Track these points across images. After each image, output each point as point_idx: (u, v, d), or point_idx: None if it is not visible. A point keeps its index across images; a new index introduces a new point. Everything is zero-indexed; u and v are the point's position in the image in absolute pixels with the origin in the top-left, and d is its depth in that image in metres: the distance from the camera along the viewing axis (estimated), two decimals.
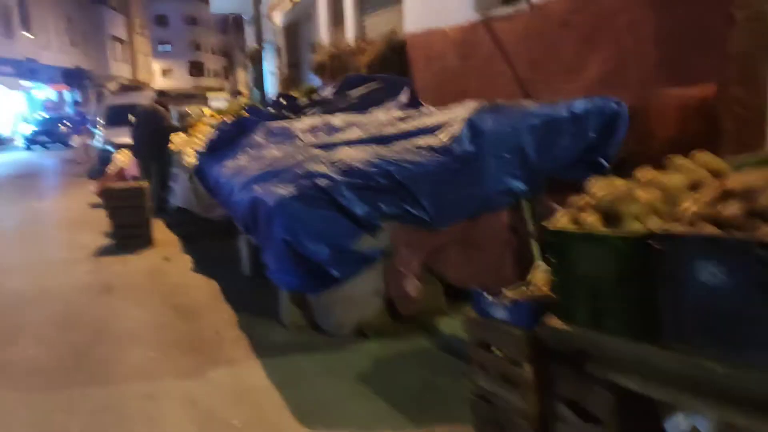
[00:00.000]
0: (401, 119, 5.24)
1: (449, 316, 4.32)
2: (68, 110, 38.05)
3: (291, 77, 16.60)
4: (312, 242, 4.02)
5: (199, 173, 7.35)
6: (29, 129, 30.01)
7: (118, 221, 7.87)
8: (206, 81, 80.00)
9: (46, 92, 38.32)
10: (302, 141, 5.91)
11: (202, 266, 6.78)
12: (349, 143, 5.07)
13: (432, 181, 4.24)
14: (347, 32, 11.71)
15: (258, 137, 6.69)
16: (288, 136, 6.31)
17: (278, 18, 16.85)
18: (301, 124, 6.49)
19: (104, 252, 7.65)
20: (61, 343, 4.69)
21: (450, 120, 4.57)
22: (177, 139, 10.62)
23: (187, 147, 9.04)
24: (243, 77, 65.79)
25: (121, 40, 54.20)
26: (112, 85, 51.74)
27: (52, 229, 9.55)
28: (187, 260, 7.12)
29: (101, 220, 9.57)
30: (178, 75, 75.49)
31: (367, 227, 4.09)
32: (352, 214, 4.07)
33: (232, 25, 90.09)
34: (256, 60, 13.30)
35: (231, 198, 5.78)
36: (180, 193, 8.90)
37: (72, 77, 40.81)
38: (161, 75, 72.86)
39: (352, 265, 4.09)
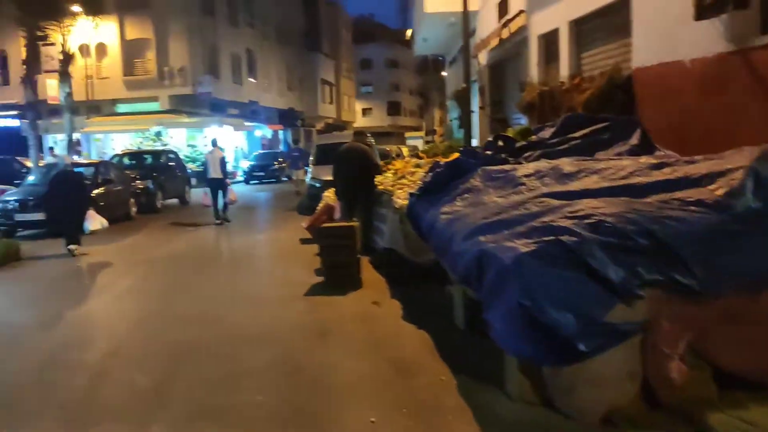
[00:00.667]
0: (654, 167, 4.53)
1: (720, 409, 3.51)
2: (281, 148, 41.28)
3: (495, 116, 16.24)
4: (554, 309, 3.47)
5: (411, 216, 7.14)
6: (248, 164, 32.87)
7: (329, 260, 7.93)
8: (402, 120, 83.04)
9: (262, 131, 41.97)
10: (529, 188, 5.41)
11: (413, 314, 6.51)
12: (589, 193, 4.48)
13: (704, 242, 3.51)
14: (561, 69, 11.09)
15: (476, 181, 6.31)
16: (511, 181, 5.85)
17: (483, 57, 16.65)
18: (525, 169, 6.00)
19: (315, 291, 7.72)
20: (279, 390, 4.60)
21: (723, 169, 3.81)
22: (383, 179, 10.68)
23: (395, 187, 8.97)
24: (437, 116, 67.37)
25: (330, 83, 58.09)
26: (319, 125, 55.68)
27: (268, 262, 9.98)
28: (396, 306, 6.90)
29: (311, 256, 9.86)
30: (376, 114, 79.22)
31: (623, 295, 3.46)
32: (605, 279, 3.47)
33: (430, 66, 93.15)
34: (463, 99, 13.14)
35: (449, 246, 5.43)
36: (388, 233, 8.83)
37: (286, 117, 44.37)
38: (362, 114, 76.95)
39: (602, 339, 3.47)
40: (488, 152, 7.13)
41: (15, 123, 29.68)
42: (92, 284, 8.94)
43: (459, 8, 17.08)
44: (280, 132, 45.06)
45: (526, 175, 5.83)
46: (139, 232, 13.95)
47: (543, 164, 5.99)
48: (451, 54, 25.53)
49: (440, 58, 35.43)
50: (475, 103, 20.61)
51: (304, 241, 11.66)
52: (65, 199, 11.11)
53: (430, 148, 11.34)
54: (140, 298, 7.98)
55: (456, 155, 9.19)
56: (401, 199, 7.93)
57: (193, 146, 33.24)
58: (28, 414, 4.45)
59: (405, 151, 34.10)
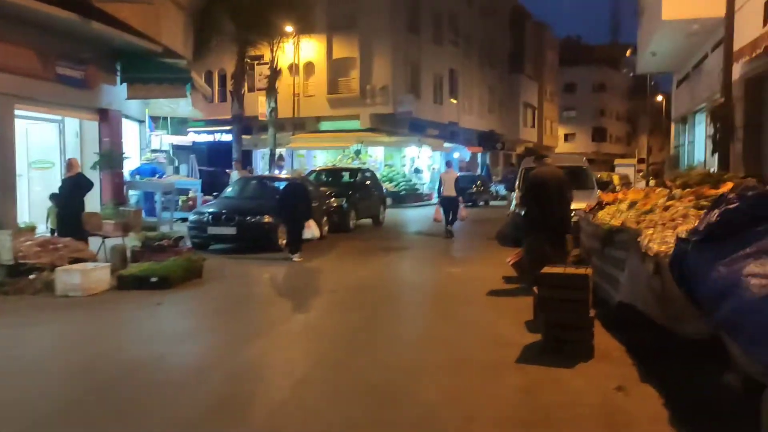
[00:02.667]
0: None
1: None
2: (479, 171, 39.75)
3: (749, 141, 13.17)
4: None
5: (680, 269, 5.02)
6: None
7: (551, 316, 6.00)
8: (607, 147, 77.86)
9: (460, 153, 40.75)
10: None
11: (682, 413, 4.44)
12: None
13: None
14: None
15: None
16: None
17: (737, 68, 13.63)
18: None
19: (531, 356, 5.84)
20: None
21: None
22: (615, 212, 8.53)
23: (641, 224, 6.78)
24: (646, 143, 61.89)
25: (532, 107, 55.72)
26: (519, 149, 53.37)
27: (466, 306, 8.26)
28: (652, 396, 4.82)
29: (519, 301, 8.01)
30: (580, 140, 75.32)
31: None
32: None
33: (641, 90, 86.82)
34: (722, 116, 10.45)
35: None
36: (629, 285, 6.69)
37: (485, 140, 42.85)
38: (564, 140, 73.37)
39: None
40: None
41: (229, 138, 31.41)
42: (263, 316, 7.83)
43: (705, 13, 14.31)
44: (479, 155, 43.59)
45: None
46: (328, 254, 13.05)
47: None
48: (684, 70, 22.15)
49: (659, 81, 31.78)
50: (700, 129, 17.33)
51: (508, 280, 9.82)
52: (293, 210, 11.95)
53: (679, 177, 8.91)
54: (308, 347, 6.52)
55: (728, 185, 6.83)
56: (656, 242, 5.79)
57: (390, 165, 32.92)
58: None
59: (615, 179, 30.77)
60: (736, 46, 13.47)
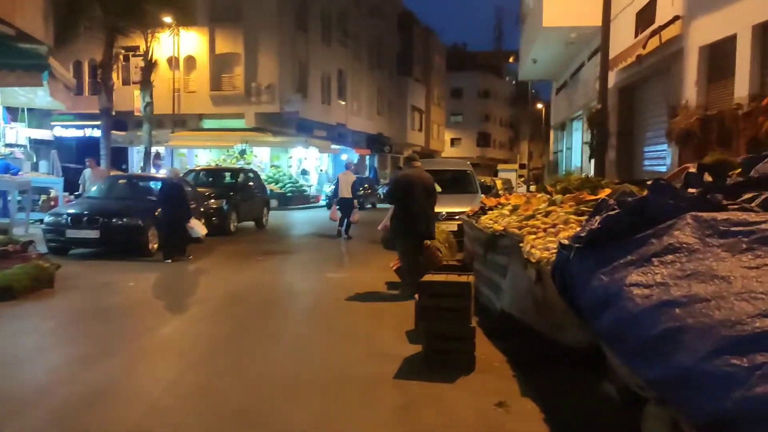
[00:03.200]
0: None
1: None
2: (368, 174, 39.63)
3: (621, 147, 13.67)
4: None
5: (562, 276, 4.82)
6: (331, 189, 31.23)
7: (432, 326, 5.67)
8: (491, 152, 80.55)
9: (348, 155, 40.42)
10: None
11: (562, 427, 4.21)
12: None
13: None
14: (738, 88, 8.51)
15: (686, 235, 3.93)
16: (763, 241, 3.47)
17: (612, 77, 14.12)
18: None
19: (411, 371, 5.48)
20: None
21: None
22: (497, 217, 8.42)
23: (524, 231, 6.63)
24: (527, 149, 64.64)
25: (420, 110, 56.44)
26: (407, 152, 53.87)
27: (346, 316, 7.82)
28: (533, 411, 4.58)
29: (401, 309, 7.67)
30: (465, 144, 77.34)
31: None
32: None
33: (522, 98, 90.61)
34: (599, 122, 10.66)
35: (661, 348, 3.14)
36: (511, 293, 6.52)
37: (374, 142, 42.82)
38: (450, 144, 75.00)
39: None
40: (691, 189, 4.72)
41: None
42: (116, 332, 6.92)
43: (583, 22, 14.76)
44: (367, 157, 43.50)
45: None
46: (203, 259, 12.20)
47: None
48: (561, 79, 22.99)
49: (539, 89, 33.01)
50: (578, 136, 18.01)
51: (391, 286, 9.50)
52: (172, 211, 11.68)
53: (559, 182, 8.93)
54: (163, 367, 5.79)
55: (606, 191, 6.82)
56: (538, 249, 5.60)
57: (276, 166, 32.02)
58: None
59: (498, 183, 31.57)
60: (611, 55, 13.96)
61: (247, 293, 9.16)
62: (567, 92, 21.46)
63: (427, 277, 5.96)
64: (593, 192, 6.84)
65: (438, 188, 15.79)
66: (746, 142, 7.85)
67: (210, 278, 10.41)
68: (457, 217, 13.80)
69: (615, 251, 4.26)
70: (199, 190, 15.95)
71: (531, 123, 65.88)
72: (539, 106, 61.35)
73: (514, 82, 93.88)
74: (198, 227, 12.26)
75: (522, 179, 45.14)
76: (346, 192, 16.21)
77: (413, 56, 54.06)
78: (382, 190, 34.03)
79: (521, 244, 6.18)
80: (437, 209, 14.30)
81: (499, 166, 49.77)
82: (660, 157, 11.44)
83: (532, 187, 30.40)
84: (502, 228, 7.26)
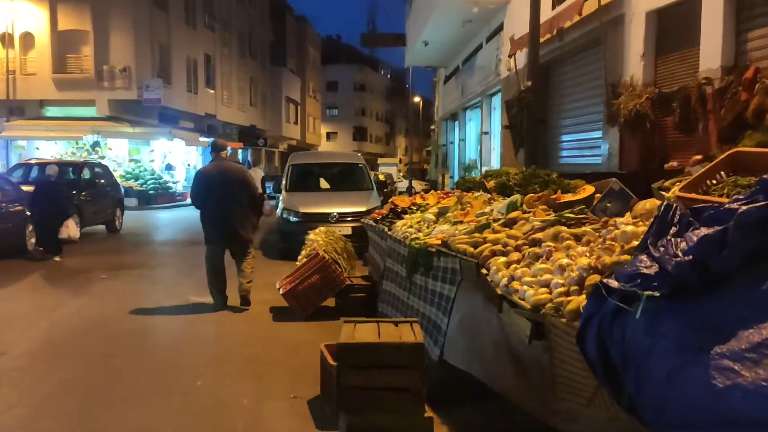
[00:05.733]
0: None
1: None
2: None
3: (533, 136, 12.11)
4: None
5: (602, 344, 2.72)
6: None
7: (360, 420, 3.45)
8: (368, 146, 79.46)
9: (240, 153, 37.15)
10: None
11: None
12: None
13: None
14: (705, 58, 6.99)
15: None
16: None
17: (520, 58, 12.57)
18: None
19: None
20: None
21: None
22: (416, 223, 6.40)
23: (485, 250, 4.54)
24: (403, 144, 63.76)
25: (295, 102, 53.86)
26: (282, 146, 51.03)
27: (209, 373, 5.39)
28: None
29: (298, 356, 5.43)
30: (342, 138, 75.84)
31: None
32: None
33: (397, 92, 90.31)
34: (527, 103, 8.81)
35: None
36: (466, 343, 4.46)
37: (247, 135, 39.73)
38: (326, 138, 73.14)
39: None
40: None
41: None
42: None
43: None
44: (239, 151, 40.27)
45: None
46: (21, 281, 9.19)
47: None
48: (452, 65, 21.45)
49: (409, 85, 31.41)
50: (494, 123, 16.52)
51: (278, 316, 7.23)
52: (45, 210, 11.49)
53: (491, 177, 6.96)
54: None
55: (587, 189, 4.92)
56: (526, 283, 3.52)
57: (136, 161, 28.33)
58: None
59: (381, 178, 29.84)
60: (517, 35, 12.39)
61: (71, 336, 6.45)
62: (459, 79, 19.94)
63: (346, 335, 3.69)
64: (567, 191, 4.93)
65: (325, 184, 13.83)
66: (727, 123, 6.30)
67: (25, 313, 7.54)
68: (350, 218, 11.70)
69: (738, 308, 2.27)
70: (24, 189, 12.69)
71: (410, 117, 65.31)
72: (417, 99, 60.63)
73: (389, 75, 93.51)
74: (72, 229, 11.93)
75: (401, 174, 43.87)
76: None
77: (287, 46, 51.33)
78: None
79: (484, 271, 4.11)
80: (325, 210, 12.18)
81: (380, 161, 48.31)
82: (590, 147, 9.93)
83: (417, 184, 29.02)
84: (440, 241, 5.18)
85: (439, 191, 8.21)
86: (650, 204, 4.39)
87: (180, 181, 30.18)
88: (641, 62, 8.15)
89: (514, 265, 3.87)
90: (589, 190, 4.67)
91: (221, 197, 7.40)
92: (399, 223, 6.84)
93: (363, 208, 11.75)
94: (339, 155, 17.28)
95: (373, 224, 7.72)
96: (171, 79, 29.82)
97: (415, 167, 47.81)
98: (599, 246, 3.59)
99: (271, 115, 46.81)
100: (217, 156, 7.79)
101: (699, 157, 5.86)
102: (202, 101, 33.91)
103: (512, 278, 3.68)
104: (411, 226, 6.39)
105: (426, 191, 13.48)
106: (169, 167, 30.32)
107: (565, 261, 3.46)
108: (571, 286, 3.19)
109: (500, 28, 14.47)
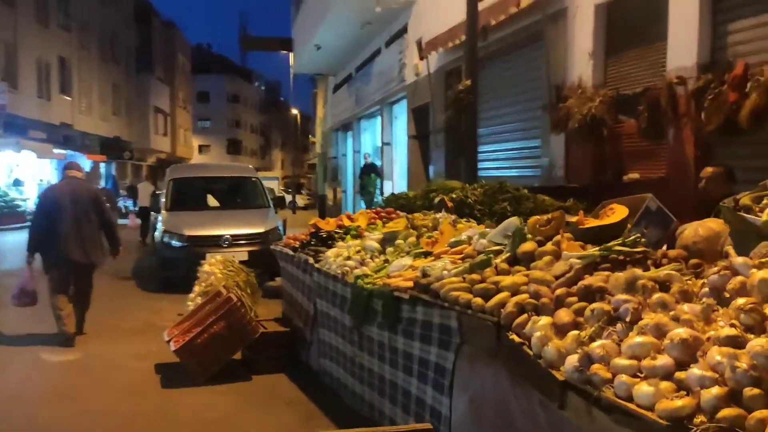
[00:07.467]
0: None
1: None
2: (102, 183, 33.08)
3: (449, 148, 11.05)
4: None
5: None
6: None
7: None
8: (243, 159, 76.54)
9: (78, 161, 33.40)
10: None
11: None
12: None
13: None
14: (674, 55, 6.10)
15: None
16: None
17: (433, 62, 11.47)
18: None
19: None
20: None
21: None
22: (364, 254, 4.99)
23: (493, 300, 3.18)
24: (280, 158, 61.67)
25: (164, 113, 50.32)
26: (151, 159, 47.29)
27: None
28: None
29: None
30: (215, 151, 72.78)
31: None
32: None
33: (272, 105, 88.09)
34: (465, 107, 7.58)
35: None
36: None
37: (110, 147, 36.14)
38: (198, 151, 69.72)
39: None
40: None
41: None
42: None
43: None
44: (102, 164, 36.56)
45: None
46: None
47: None
48: (344, 73, 20.11)
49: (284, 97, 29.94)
50: (396, 133, 15.35)
51: (169, 378, 5.49)
52: None
53: (439, 190, 5.63)
54: None
55: (618, 209, 3.69)
56: (623, 375, 2.17)
57: None
58: None
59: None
60: (429, 36, 11.29)
61: None
62: (353, 87, 18.60)
63: None
64: (595, 216, 3.65)
65: (213, 202, 11.95)
66: (713, 128, 5.38)
67: None
68: (244, 242, 9.99)
69: None
70: None
71: (286, 130, 63.46)
72: (294, 111, 58.84)
73: (263, 87, 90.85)
74: None
75: (282, 188, 41.93)
76: (144, 201, 16.15)
77: (154, 52, 47.78)
78: (123, 203, 28.25)
79: (514, 337, 2.74)
80: (215, 232, 10.49)
81: (261, 174, 46.06)
82: (524, 157, 8.88)
83: (302, 198, 27.47)
84: (411, 283, 3.76)
85: (368, 210, 6.78)
86: (704, 229, 3.22)
87: (31, 198, 26.54)
88: (590, 61, 7.19)
89: (574, 333, 2.51)
90: (620, 211, 3.43)
91: (66, 219, 6.78)
92: (329, 252, 5.34)
93: (261, 229, 10.09)
94: (228, 168, 15.38)
95: (290, 253, 6.14)
96: (18, 83, 26.24)
97: (294, 180, 46.15)
98: (717, 308, 2.34)
99: (137, 126, 43.15)
100: (65, 175, 7.33)
101: (712, 169, 4.87)
102: (56, 109, 30.26)
103: (589, 358, 2.31)
104: (349, 258, 4.92)
105: (311, 206, 11.96)
106: (17, 182, 26.65)
107: (686, 333, 2.15)
108: (742, 385, 1.87)
109: (403, 30, 13.31)
